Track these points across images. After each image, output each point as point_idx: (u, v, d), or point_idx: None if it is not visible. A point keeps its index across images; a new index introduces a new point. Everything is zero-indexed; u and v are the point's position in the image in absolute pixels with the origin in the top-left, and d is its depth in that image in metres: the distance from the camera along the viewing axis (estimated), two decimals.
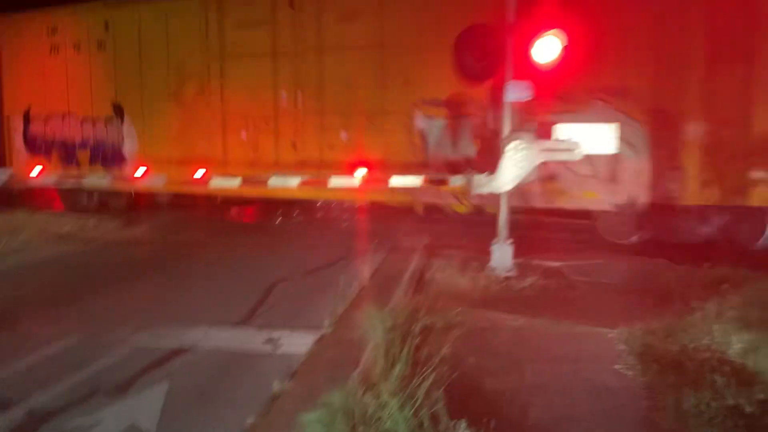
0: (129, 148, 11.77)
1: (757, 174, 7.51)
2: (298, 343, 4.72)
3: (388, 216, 10.38)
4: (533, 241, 8.01)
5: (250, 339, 4.94)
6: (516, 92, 6.42)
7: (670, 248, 7.92)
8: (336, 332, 4.79)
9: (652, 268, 7.05)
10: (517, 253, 6.91)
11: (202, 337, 4.95)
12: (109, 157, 12.00)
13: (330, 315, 5.08)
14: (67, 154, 12.44)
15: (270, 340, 4.85)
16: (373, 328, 4.36)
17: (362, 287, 6.14)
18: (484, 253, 6.96)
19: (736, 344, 4.27)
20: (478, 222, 8.66)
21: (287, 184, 8.86)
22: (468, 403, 3.50)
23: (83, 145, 12.29)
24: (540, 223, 9.71)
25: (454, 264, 6.80)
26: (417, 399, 3.25)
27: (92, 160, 12.16)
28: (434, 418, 3.10)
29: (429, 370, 3.56)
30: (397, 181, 7.48)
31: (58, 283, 6.95)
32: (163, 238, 9.87)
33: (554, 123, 8.20)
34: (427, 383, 3.38)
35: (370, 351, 4.11)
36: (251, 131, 10.56)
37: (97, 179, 11.12)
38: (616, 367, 4.17)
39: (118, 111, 11.83)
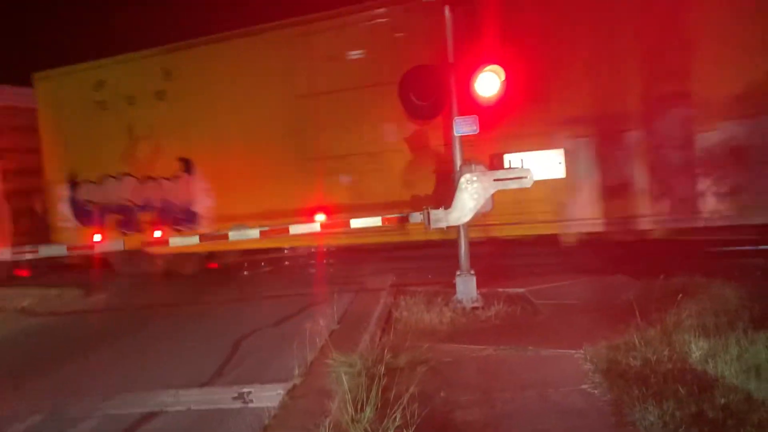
0: (202, 205, 10.55)
1: None
2: (268, 396, 4.66)
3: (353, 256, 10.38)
4: (497, 269, 8.14)
5: (219, 396, 4.85)
6: (464, 127, 6.62)
7: (627, 263, 8.13)
8: (306, 381, 4.77)
9: (612, 284, 7.23)
10: (482, 283, 6.99)
11: (171, 399, 4.86)
12: (179, 218, 10.72)
13: (300, 364, 5.05)
14: (127, 219, 11.09)
15: (240, 396, 4.78)
16: (342, 374, 4.37)
17: (331, 332, 6.14)
18: (449, 286, 7.04)
19: (695, 352, 4.40)
20: (440, 255, 8.72)
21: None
22: None
23: (145, 207, 10.99)
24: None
25: (420, 300, 6.85)
26: None
27: (160, 223, 10.67)
28: None
29: (398, 410, 3.58)
30: (357, 223, 7.44)
31: (20, 359, 6.76)
32: (128, 302, 9.69)
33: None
34: (396, 423, 3.41)
35: (340, 397, 4.11)
36: (353, 173, 9.44)
37: (54, 248, 10.77)
38: (583, 386, 4.25)
39: (187, 165, 10.66)
